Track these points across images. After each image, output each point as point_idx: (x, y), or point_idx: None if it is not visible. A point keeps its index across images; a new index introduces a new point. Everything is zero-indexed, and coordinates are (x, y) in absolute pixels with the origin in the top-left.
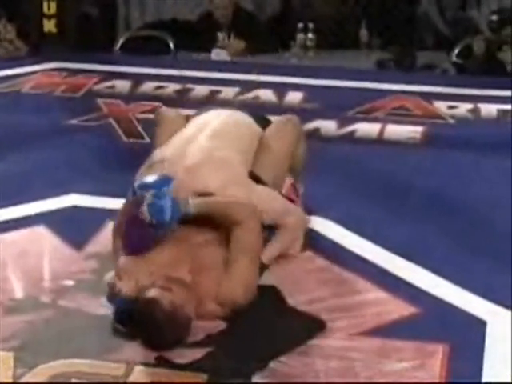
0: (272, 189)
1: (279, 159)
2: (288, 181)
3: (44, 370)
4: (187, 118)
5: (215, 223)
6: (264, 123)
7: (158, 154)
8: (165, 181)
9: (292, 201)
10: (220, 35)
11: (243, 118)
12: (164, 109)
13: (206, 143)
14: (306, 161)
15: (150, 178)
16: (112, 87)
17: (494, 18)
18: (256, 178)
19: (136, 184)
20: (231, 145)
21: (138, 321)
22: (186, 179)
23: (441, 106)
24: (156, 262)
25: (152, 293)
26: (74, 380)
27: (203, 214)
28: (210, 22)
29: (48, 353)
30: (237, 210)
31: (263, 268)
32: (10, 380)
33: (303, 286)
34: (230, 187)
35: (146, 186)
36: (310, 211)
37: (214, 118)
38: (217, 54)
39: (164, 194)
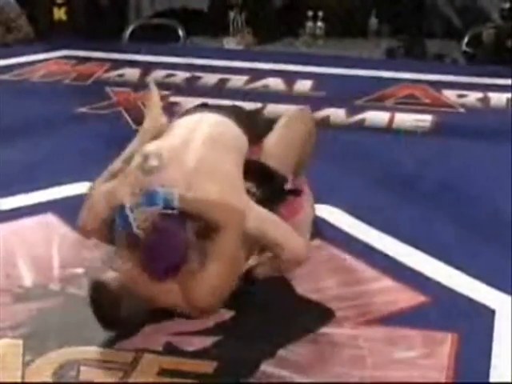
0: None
1: (289, 150)
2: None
3: (52, 358)
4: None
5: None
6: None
7: (151, 145)
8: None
9: (301, 192)
10: (231, 15)
11: (230, 128)
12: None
13: (203, 150)
14: (312, 155)
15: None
16: (121, 75)
17: (507, 5)
18: (265, 169)
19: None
20: (227, 154)
21: (90, 299)
22: (185, 187)
23: (450, 94)
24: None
25: (104, 275)
26: (82, 367)
27: (188, 209)
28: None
29: (57, 340)
30: (222, 215)
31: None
32: (20, 367)
33: (312, 275)
34: (228, 201)
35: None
36: (318, 199)
37: (204, 123)
38: (227, 43)
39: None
